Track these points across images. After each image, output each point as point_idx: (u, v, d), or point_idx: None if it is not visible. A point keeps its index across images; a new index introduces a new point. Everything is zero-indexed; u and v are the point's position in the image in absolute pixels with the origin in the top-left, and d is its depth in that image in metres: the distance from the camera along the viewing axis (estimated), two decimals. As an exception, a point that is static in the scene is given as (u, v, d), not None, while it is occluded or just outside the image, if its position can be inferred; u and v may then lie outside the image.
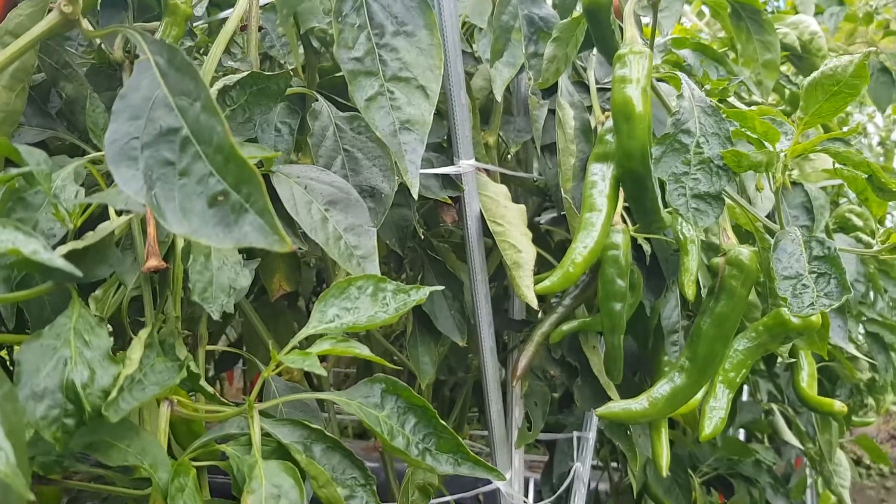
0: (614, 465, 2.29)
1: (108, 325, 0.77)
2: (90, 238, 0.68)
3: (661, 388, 0.97)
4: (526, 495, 1.59)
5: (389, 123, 0.83)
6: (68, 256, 0.66)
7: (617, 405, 1.01)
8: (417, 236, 1.50)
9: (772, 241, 0.86)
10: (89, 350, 0.60)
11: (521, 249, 1.24)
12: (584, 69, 1.45)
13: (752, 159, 0.80)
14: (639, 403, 0.98)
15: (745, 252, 0.94)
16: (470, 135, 1.28)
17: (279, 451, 0.71)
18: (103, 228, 0.69)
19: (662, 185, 0.90)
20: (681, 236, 1.00)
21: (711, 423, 0.93)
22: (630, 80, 0.88)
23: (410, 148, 0.83)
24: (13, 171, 0.63)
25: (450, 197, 1.29)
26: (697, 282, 1.00)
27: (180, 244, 0.81)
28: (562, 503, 1.94)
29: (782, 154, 0.83)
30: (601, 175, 0.99)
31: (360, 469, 0.74)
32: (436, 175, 1.28)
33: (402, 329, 1.96)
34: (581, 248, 0.97)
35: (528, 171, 1.65)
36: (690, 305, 1.37)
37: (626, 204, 1.15)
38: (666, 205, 0.91)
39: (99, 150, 0.92)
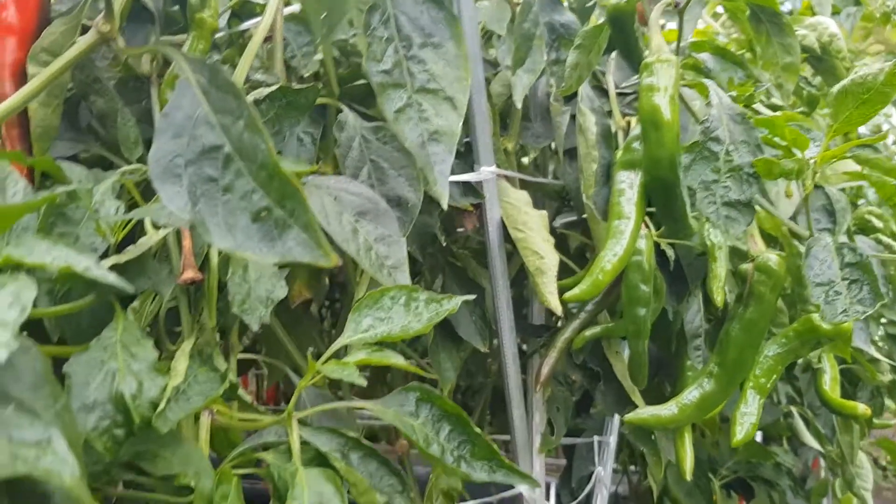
0: (633, 468, 2.29)
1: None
2: (132, 252, 0.69)
3: (691, 395, 0.98)
4: (547, 499, 1.60)
5: (418, 135, 0.84)
6: (111, 270, 0.67)
7: (646, 411, 1.01)
8: (438, 243, 1.51)
9: (800, 247, 0.87)
10: (136, 362, 0.61)
11: (543, 256, 1.25)
12: (603, 74, 1.46)
13: (783, 167, 0.81)
14: (668, 409, 0.99)
15: (773, 258, 0.94)
16: (490, 141, 1.29)
17: (317, 459, 0.72)
18: (144, 243, 0.70)
19: (689, 191, 0.90)
20: (709, 242, 1.01)
21: (743, 428, 0.93)
22: (658, 89, 0.89)
23: (439, 159, 0.84)
24: (58, 188, 0.64)
25: (471, 204, 1.30)
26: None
27: (215, 256, 0.82)
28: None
29: (812, 161, 0.84)
30: (629, 183, 1.00)
31: (397, 476, 0.75)
32: (456, 182, 1.28)
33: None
34: (610, 256, 0.97)
35: (545, 175, 1.65)
36: (714, 310, 1.38)
37: (649, 209, 1.15)
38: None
39: (130, 163, 0.93)
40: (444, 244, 1.36)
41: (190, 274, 0.77)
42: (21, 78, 0.80)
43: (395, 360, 0.74)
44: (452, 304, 0.78)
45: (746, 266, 0.96)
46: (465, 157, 1.31)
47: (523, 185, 1.47)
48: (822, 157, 0.84)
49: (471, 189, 1.29)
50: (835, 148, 0.84)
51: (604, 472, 1.60)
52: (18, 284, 0.47)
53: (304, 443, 0.72)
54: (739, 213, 0.84)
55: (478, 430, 0.76)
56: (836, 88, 0.79)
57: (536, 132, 1.53)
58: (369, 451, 0.74)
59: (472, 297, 0.87)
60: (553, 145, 1.55)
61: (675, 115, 0.89)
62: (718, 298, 0.97)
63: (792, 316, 1.05)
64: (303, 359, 1.36)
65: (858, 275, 0.78)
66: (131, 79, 1.03)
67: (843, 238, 1.31)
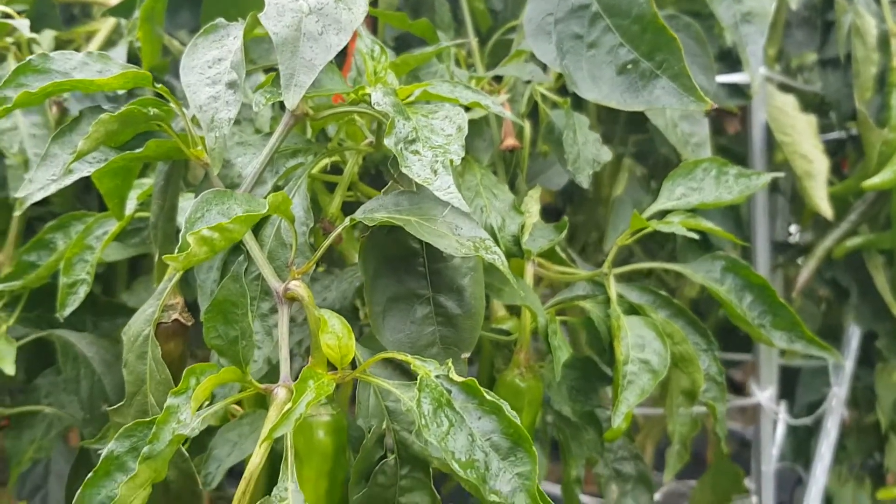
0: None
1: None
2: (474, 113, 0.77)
3: None
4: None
5: (731, 15, 0.86)
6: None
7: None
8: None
9: None
10: (498, 201, 0.69)
11: (812, 160, 1.23)
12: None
13: None
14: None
15: None
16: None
17: (630, 312, 0.78)
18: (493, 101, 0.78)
19: None
20: None
21: None
22: None
23: (751, 39, 0.86)
24: (428, 48, 0.72)
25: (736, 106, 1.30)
26: None
27: (527, 130, 0.89)
28: (799, 432, 1.92)
29: None
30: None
31: (703, 336, 0.79)
32: (722, 83, 1.28)
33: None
34: (918, 146, 0.95)
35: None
36: None
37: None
38: None
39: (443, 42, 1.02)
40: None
41: (511, 141, 0.85)
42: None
43: (707, 224, 0.78)
44: (762, 179, 0.80)
45: None
46: (730, 58, 1.30)
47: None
48: None
49: (736, 91, 1.28)
50: None
51: (840, 391, 1.57)
52: (448, 109, 0.55)
53: (618, 296, 0.79)
54: None
55: (782, 301, 0.79)
56: None
57: (797, 39, 1.49)
58: (678, 309, 0.80)
59: (781, 174, 0.88)
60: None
61: None
62: None
63: None
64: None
65: None
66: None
67: None
